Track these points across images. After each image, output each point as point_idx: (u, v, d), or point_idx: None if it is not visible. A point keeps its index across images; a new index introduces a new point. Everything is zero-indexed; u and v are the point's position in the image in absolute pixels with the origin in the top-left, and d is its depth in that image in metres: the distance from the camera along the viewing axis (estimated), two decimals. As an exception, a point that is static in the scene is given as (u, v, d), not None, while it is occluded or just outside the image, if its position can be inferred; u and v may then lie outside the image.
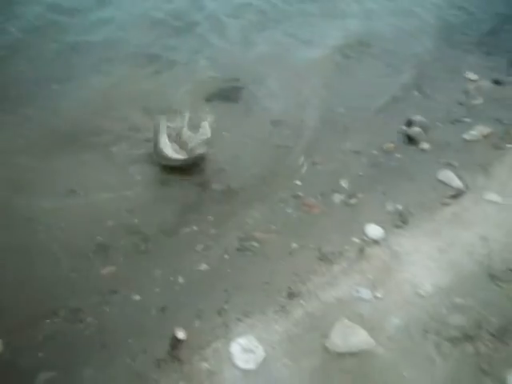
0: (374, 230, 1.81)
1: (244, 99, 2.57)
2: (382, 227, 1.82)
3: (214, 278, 1.63)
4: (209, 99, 2.56)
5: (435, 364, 1.37)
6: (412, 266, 1.66)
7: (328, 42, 3.15)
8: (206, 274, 1.65)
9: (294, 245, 1.76)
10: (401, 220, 1.86)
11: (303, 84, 2.72)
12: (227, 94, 2.57)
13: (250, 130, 2.31)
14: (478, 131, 2.30)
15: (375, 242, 1.77)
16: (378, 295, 1.58)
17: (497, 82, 2.75)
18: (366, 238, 1.80)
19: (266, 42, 3.13)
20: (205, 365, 1.34)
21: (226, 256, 1.71)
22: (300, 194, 2.00)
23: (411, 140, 2.28)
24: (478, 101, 2.61)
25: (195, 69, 2.83)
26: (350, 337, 1.41)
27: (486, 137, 2.28)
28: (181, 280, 1.62)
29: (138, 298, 1.55)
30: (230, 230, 1.81)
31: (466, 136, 2.29)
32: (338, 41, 3.18)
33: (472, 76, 2.80)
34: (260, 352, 1.36)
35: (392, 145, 2.26)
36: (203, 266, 1.67)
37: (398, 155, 2.22)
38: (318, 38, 3.21)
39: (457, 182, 2.00)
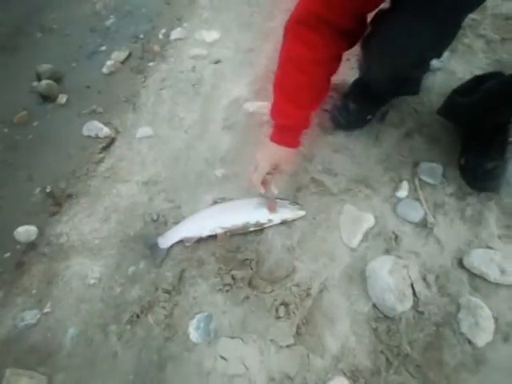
0: (25, 234, 1.49)
1: None
2: (33, 224, 1.51)
3: None
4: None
5: (118, 356, 1.23)
6: (76, 256, 1.43)
7: None
8: None
9: None
10: (54, 204, 1.57)
11: None
12: None
13: None
14: (114, 59, 2.07)
15: (32, 245, 1.47)
16: (47, 309, 1.33)
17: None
18: (19, 246, 1.47)
19: None
20: None
21: None
22: None
23: (46, 97, 1.90)
24: (111, 20, 2.31)
25: None
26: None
27: (124, 62, 2.07)
28: None
29: None
30: None
31: (105, 69, 2.02)
32: None
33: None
34: None
35: (25, 112, 1.87)
36: None
37: (36, 123, 1.86)
38: None
39: (105, 131, 1.79)
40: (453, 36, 1.35)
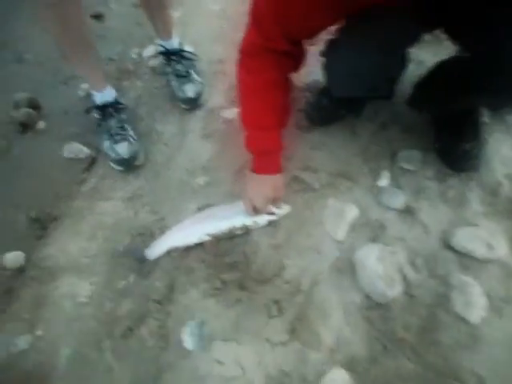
0: (13, 259, 1.49)
1: None
2: (21, 249, 1.51)
3: None
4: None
5: (115, 371, 1.22)
6: (66, 276, 1.43)
7: None
8: None
9: None
10: (40, 228, 1.57)
11: None
12: None
13: None
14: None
15: (20, 270, 1.47)
16: (39, 333, 1.32)
17: (97, 17, 2.49)
18: (8, 272, 1.47)
19: None
20: None
21: None
22: None
23: (25, 126, 1.91)
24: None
25: None
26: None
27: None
28: None
29: None
30: None
31: (81, 92, 2.04)
32: None
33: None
34: None
35: (4, 142, 1.87)
36: None
37: (17, 151, 1.85)
38: None
39: (85, 151, 1.79)
40: (398, 68, 1.39)
